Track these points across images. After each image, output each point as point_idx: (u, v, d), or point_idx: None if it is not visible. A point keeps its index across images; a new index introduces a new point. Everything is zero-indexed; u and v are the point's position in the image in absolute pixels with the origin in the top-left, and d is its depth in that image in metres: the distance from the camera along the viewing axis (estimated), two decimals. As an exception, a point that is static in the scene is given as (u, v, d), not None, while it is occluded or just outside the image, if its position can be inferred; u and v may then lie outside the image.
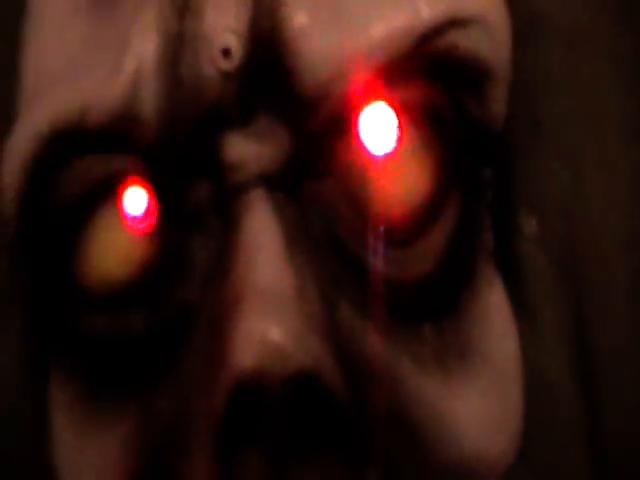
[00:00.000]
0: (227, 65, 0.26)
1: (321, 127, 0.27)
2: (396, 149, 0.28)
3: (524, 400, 0.29)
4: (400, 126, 0.27)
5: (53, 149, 0.27)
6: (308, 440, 0.25)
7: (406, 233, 0.28)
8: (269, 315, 0.24)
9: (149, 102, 0.26)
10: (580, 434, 0.30)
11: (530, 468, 0.30)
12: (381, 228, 0.28)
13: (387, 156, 0.27)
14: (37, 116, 0.26)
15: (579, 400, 0.30)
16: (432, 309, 0.27)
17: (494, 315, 0.28)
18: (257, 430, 0.24)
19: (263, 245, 0.25)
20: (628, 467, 0.31)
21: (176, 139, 0.26)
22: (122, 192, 0.27)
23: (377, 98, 0.27)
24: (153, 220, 0.27)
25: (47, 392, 0.30)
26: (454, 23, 0.27)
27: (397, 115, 0.28)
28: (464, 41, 0.27)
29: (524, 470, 0.30)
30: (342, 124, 0.27)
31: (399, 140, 0.28)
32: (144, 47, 0.26)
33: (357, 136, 0.27)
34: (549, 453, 0.30)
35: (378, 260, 0.27)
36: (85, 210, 0.27)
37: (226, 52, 0.26)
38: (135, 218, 0.27)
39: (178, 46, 0.26)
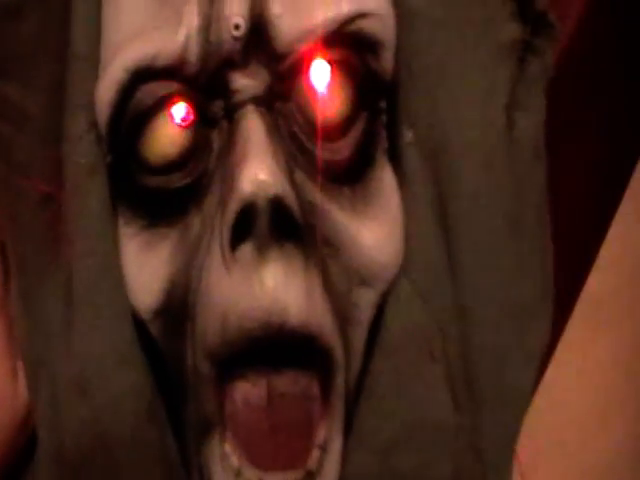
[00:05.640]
0: (237, 33, 0.41)
1: (287, 71, 0.41)
2: (329, 86, 0.42)
3: (404, 235, 0.44)
4: (331, 73, 0.42)
5: (133, 78, 0.41)
6: (280, 237, 0.39)
7: (334, 134, 0.42)
8: (258, 165, 0.39)
9: (193, 53, 0.41)
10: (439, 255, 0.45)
11: (410, 282, 0.45)
12: (320, 130, 0.42)
13: (323, 89, 0.42)
14: (123, 60, 0.41)
15: (437, 237, 0.45)
16: (349, 178, 0.43)
17: (386, 183, 0.44)
18: (252, 229, 0.39)
19: (254, 134, 0.40)
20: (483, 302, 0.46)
21: (206, 74, 0.41)
22: (173, 103, 0.41)
23: (319, 56, 0.41)
24: (189, 121, 0.42)
25: (118, 226, 0.44)
26: (361, 15, 0.41)
27: (330, 66, 0.42)
28: (367, 25, 0.42)
29: (407, 283, 0.45)
30: (299, 70, 0.41)
31: (330, 81, 0.42)
32: (191, 21, 0.41)
33: (307, 77, 0.41)
34: (420, 272, 0.45)
35: (319, 148, 0.42)
36: (150, 113, 0.41)
37: (237, 26, 0.41)
38: (179, 119, 0.42)
39: (209, 21, 0.41)
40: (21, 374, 0.48)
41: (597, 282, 0.74)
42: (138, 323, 0.44)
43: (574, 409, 0.78)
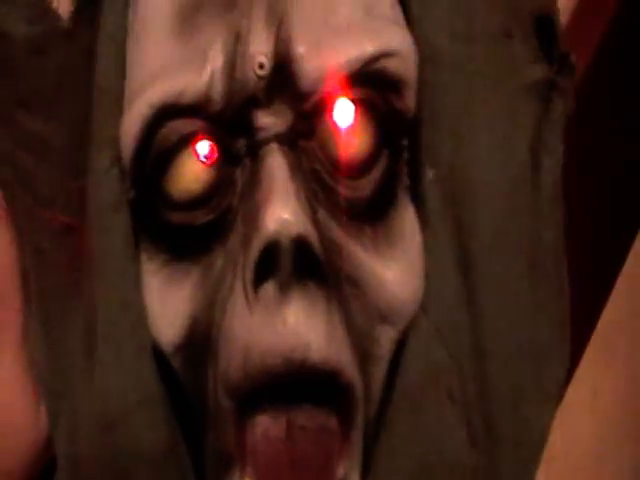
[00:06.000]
0: (261, 72, 0.41)
1: (310, 109, 0.42)
2: (352, 124, 0.42)
3: (424, 273, 0.44)
4: (354, 111, 0.42)
5: (159, 114, 0.41)
6: (302, 276, 0.40)
7: (356, 172, 0.42)
8: (282, 204, 0.39)
9: (218, 91, 0.41)
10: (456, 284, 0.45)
11: (429, 320, 0.45)
12: (342, 168, 0.42)
13: (347, 128, 0.42)
14: (149, 96, 0.41)
15: (457, 276, 0.46)
16: (371, 216, 0.43)
17: (407, 223, 0.44)
18: (274, 268, 0.39)
19: (277, 173, 0.40)
20: (501, 342, 0.46)
21: (230, 111, 0.41)
22: (197, 141, 0.42)
23: (342, 95, 0.42)
24: (213, 158, 0.42)
25: (141, 261, 0.44)
26: (384, 54, 0.42)
27: (353, 105, 0.42)
28: (390, 64, 0.42)
29: (426, 321, 0.45)
30: (322, 108, 0.42)
31: (354, 119, 0.42)
32: (216, 59, 0.41)
33: (331, 115, 0.42)
34: (439, 311, 0.46)
35: (341, 186, 0.42)
36: (174, 150, 0.42)
37: (261, 65, 0.41)
38: (203, 156, 0.42)
39: (234, 60, 0.41)
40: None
41: (611, 313, 0.74)
42: (158, 355, 0.44)
43: (587, 443, 0.78)
